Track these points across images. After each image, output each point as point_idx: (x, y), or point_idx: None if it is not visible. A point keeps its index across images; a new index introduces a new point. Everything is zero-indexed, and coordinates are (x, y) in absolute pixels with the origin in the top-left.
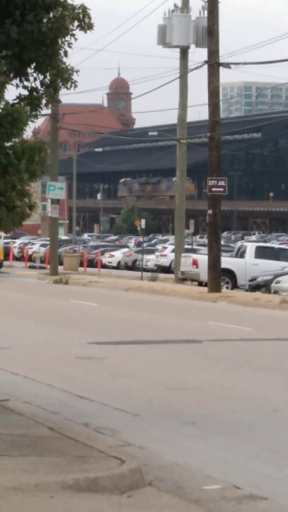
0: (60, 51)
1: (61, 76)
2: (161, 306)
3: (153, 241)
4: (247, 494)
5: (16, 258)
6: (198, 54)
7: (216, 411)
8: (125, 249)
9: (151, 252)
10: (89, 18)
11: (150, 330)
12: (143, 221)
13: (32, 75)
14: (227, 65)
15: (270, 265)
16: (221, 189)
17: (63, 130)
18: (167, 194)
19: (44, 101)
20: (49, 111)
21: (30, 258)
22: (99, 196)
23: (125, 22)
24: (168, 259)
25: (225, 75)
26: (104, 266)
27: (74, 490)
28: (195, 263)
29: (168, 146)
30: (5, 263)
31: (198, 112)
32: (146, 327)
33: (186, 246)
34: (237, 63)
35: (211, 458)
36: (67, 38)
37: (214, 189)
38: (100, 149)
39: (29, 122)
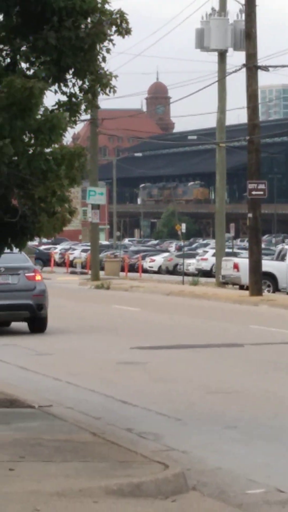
0: (98, 57)
1: (100, 81)
2: (202, 310)
3: (193, 245)
4: None
5: (57, 264)
6: (236, 57)
7: (258, 415)
8: (166, 254)
9: (192, 256)
10: (127, 23)
11: (192, 334)
12: (183, 225)
13: (70, 81)
14: (265, 68)
15: None
16: (261, 192)
17: (103, 135)
18: (183, 198)
19: (83, 107)
20: (88, 117)
21: (71, 264)
22: (139, 200)
23: (163, 26)
24: (209, 263)
25: (263, 78)
26: (145, 271)
27: (117, 495)
28: (236, 266)
29: (207, 150)
30: (47, 268)
31: (237, 115)
32: (188, 331)
33: (227, 250)
34: (276, 66)
35: (254, 462)
36: (105, 43)
37: (254, 192)
38: (139, 154)
39: (68, 128)
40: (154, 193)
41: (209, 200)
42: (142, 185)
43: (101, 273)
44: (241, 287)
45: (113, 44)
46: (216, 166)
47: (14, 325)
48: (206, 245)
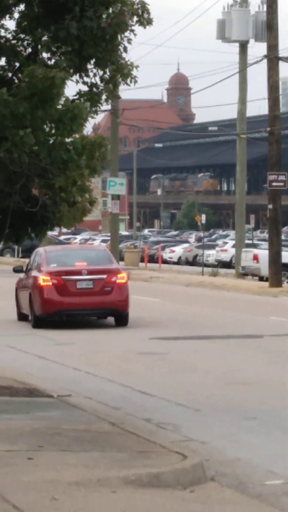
0: (120, 47)
1: (121, 71)
2: (222, 301)
3: (213, 236)
4: None
5: None
6: (258, 49)
7: (277, 406)
8: (186, 245)
9: (212, 247)
10: (148, 13)
11: (211, 325)
12: (203, 216)
13: (91, 71)
14: (286, 59)
15: None
16: (282, 184)
17: (123, 126)
18: (194, 189)
19: (104, 97)
20: (109, 107)
21: None
22: (159, 191)
23: (185, 17)
24: (229, 254)
25: (284, 69)
26: (164, 262)
27: (136, 485)
28: (255, 258)
29: (228, 141)
30: None
31: (258, 106)
32: (207, 322)
33: (247, 241)
34: None
35: (273, 453)
36: (127, 33)
37: (274, 183)
38: (160, 145)
39: (89, 118)
40: (166, 184)
41: (219, 192)
42: (153, 176)
43: (121, 263)
44: (261, 279)
45: (135, 34)
46: (236, 157)
47: None
48: (226, 236)
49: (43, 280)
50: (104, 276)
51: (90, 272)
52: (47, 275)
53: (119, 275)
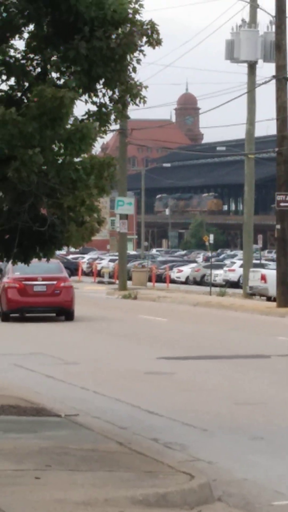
0: (129, 67)
1: (130, 91)
2: (229, 321)
3: (221, 256)
4: None
5: (85, 273)
6: (266, 69)
7: (285, 426)
8: (194, 264)
9: (220, 267)
10: (158, 34)
11: (219, 345)
12: (211, 236)
13: (101, 91)
14: None
15: None
16: None
17: (132, 146)
18: (197, 209)
19: (113, 117)
20: (117, 127)
21: (99, 273)
22: (167, 211)
23: (193, 37)
24: (237, 274)
25: None
26: (172, 281)
27: (143, 505)
28: (263, 278)
29: (236, 161)
30: (74, 278)
31: (266, 126)
32: (215, 342)
33: (255, 261)
34: None
35: (280, 473)
36: (136, 54)
37: (282, 204)
38: (168, 165)
39: (98, 138)
40: (170, 204)
41: (224, 212)
42: (158, 196)
43: (129, 283)
44: (268, 299)
45: (144, 55)
46: (244, 177)
47: (41, 333)
48: (233, 256)
49: (8, 284)
50: (55, 282)
51: (44, 279)
52: (12, 280)
53: (66, 282)
